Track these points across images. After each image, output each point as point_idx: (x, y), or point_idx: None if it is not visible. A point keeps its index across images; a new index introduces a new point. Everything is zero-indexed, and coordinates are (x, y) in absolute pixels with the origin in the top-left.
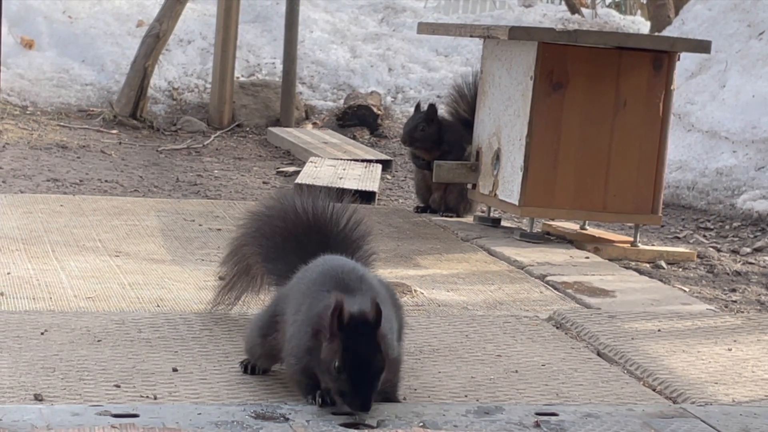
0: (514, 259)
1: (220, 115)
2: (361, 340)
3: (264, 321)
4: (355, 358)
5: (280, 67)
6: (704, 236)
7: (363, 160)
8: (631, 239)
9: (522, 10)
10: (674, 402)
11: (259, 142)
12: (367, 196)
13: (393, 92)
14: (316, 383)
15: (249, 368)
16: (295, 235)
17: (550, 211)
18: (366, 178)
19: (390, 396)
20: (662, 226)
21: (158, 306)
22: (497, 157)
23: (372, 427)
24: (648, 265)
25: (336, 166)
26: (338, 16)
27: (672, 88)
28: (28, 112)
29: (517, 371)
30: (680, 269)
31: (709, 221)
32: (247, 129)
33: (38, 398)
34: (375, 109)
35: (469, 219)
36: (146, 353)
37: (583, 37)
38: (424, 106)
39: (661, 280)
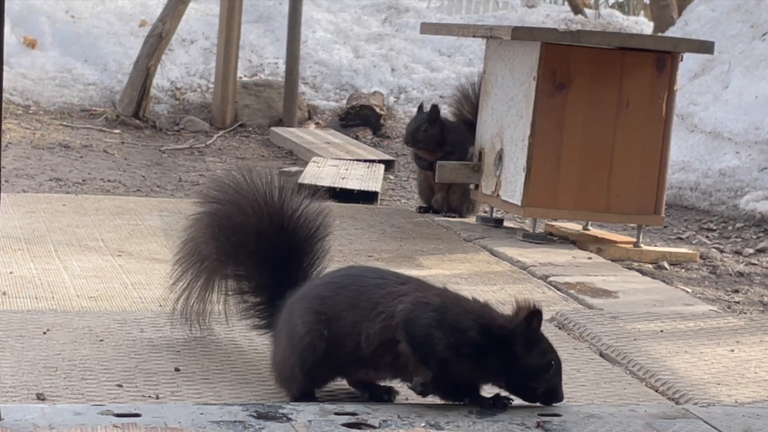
0: (516, 259)
1: (223, 115)
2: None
3: (311, 335)
4: (558, 356)
5: (282, 67)
6: (707, 237)
7: (365, 161)
8: (634, 240)
9: (525, 11)
10: (677, 403)
11: (262, 142)
12: (369, 196)
13: (396, 92)
14: (469, 386)
15: (305, 395)
16: (257, 231)
17: (553, 212)
18: (368, 178)
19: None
20: (665, 227)
21: (160, 306)
22: (500, 157)
23: (374, 427)
24: (651, 266)
25: (338, 166)
26: (341, 16)
27: (675, 88)
28: (30, 112)
29: None
30: (683, 270)
31: (711, 222)
32: (250, 129)
33: (40, 397)
34: (378, 110)
35: (471, 219)
36: (148, 353)
37: (586, 38)
38: (427, 107)
39: (663, 281)
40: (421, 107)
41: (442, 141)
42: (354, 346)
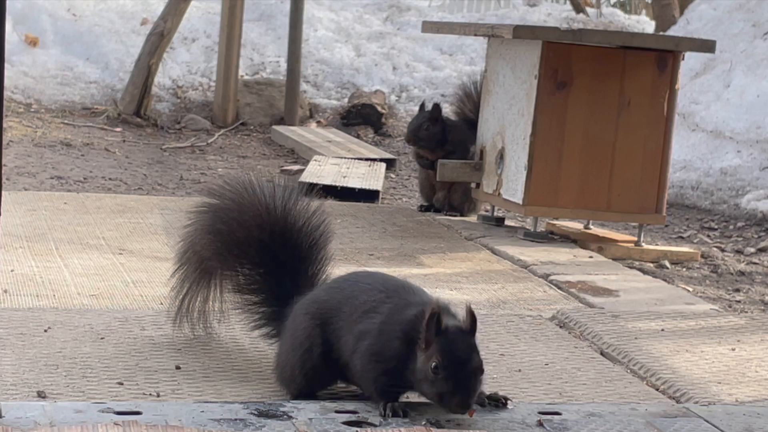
0: (517, 258)
1: (224, 113)
2: (457, 343)
3: (310, 340)
4: (453, 358)
5: (284, 65)
6: (708, 236)
7: (367, 159)
8: (635, 239)
9: (526, 9)
10: (677, 401)
11: (263, 140)
12: (370, 195)
13: (397, 91)
14: (394, 388)
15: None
16: (258, 235)
17: (554, 211)
18: (370, 176)
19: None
20: (666, 226)
21: (161, 304)
22: (501, 156)
23: (375, 426)
24: (652, 265)
25: (340, 164)
26: (343, 14)
27: (676, 87)
28: (32, 110)
29: (520, 370)
30: (684, 269)
31: (713, 221)
32: (251, 127)
33: (41, 395)
34: (379, 108)
35: (472, 218)
36: (149, 351)
37: (588, 37)
38: (429, 106)
39: (664, 280)
40: (422, 106)
41: (444, 140)
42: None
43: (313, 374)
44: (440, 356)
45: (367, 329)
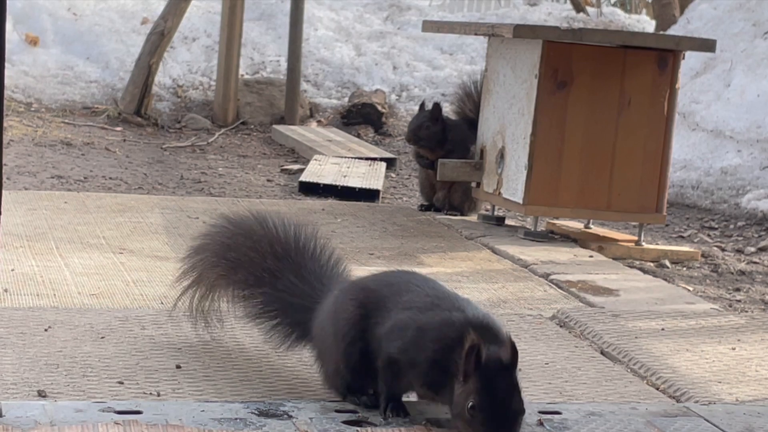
0: (518, 257)
1: (225, 112)
2: (498, 382)
3: (354, 330)
4: (493, 400)
5: (284, 64)
6: (708, 235)
7: (367, 158)
8: (636, 238)
9: (527, 9)
10: (678, 401)
11: (264, 139)
12: (371, 194)
13: (397, 90)
14: (404, 391)
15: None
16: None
17: (555, 210)
18: (370, 176)
19: None
20: (666, 225)
21: (162, 303)
22: (501, 155)
23: (375, 425)
24: (652, 264)
25: (340, 164)
26: (343, 14)
27: (677, 86)
28: (32, 109)
29: (520, 369)
30: (684, 268)
31: (713, 220)
32: (252, 127)
33: (42, 394)
34: (379, 107)
35: (473, 217)
36: (150, 350)
37: (588, 36)
38: (429, 105)
39: (665, 279)
40: (422, 105)
41: (444, 139)
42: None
43: (360, 367)
44: (479, 397)
45: (402, 329)
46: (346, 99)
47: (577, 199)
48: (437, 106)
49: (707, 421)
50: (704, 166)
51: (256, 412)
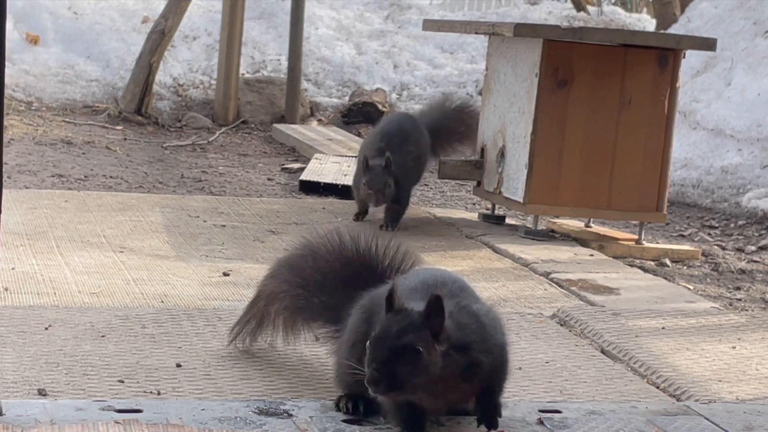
0: (518, 256)
1: (225, 111)
2: (398, 321)
3: (356, 335)
4: (380, 332)
5: (285, 63)
6: (709, 234)
7: None
8: (636, 237)
9: (527, 8)
10: (678, 399)
11: (264, 138)
12: None
13: (398, 89)
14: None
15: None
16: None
17: (555, 209)
18: None
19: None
20: (667, 224)
21: (162, 302)
22: (502, 154)
23: (375, 424)
24: (652, 263)
25: (341, 162)
26: (343, 12)
27: (677, 85)
28: (33, 108)
29: (520, 368)
30: (685, 267)
31: (714, 219)
32: (252, 125)
33: (42, 393)
34: (380, 106)
35: (473, 216)
36: (150, 349)
37: (589, 35)
38: (370, 158)
39: (665, 278)
40: (366, 161)
41: (397, 190)
42: None
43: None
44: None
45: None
46: (347, 98)
47: (577, 198)
48: (389, 160)
49: (707, 419)
50: (705, 164)
51: (257, 410)
